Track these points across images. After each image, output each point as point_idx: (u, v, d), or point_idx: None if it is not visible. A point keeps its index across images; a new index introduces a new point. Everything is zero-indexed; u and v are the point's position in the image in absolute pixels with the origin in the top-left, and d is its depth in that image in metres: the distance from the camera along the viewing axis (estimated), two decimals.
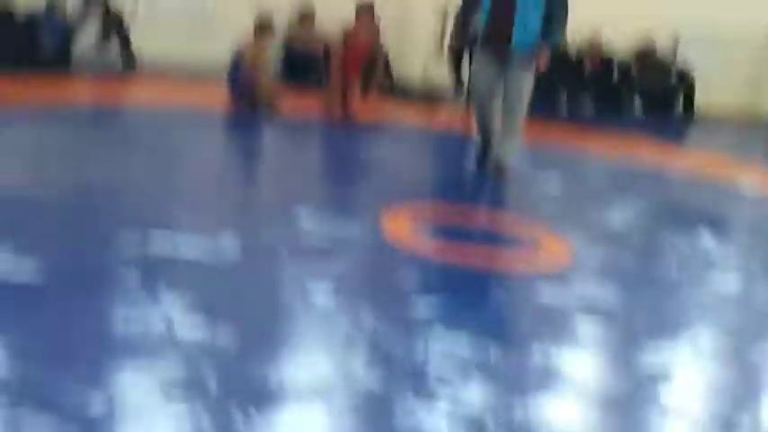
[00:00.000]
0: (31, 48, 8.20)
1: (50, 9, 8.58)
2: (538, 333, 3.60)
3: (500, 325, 3.75)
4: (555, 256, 4.68)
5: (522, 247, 4.78)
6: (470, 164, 6.59)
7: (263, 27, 8.02)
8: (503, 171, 6.14)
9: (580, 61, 10.95)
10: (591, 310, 3.90)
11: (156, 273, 3.70)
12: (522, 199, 5.95)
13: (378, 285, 4.00)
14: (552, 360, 3.32)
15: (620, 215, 5.74)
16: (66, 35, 8.56)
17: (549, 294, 4.04)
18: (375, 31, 8.10)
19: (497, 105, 6.17)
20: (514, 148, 6.16)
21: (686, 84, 11.38)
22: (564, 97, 10.83)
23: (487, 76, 6.15)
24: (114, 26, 8.87)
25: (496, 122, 6.22)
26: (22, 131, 6.04)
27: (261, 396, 2.80)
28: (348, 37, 7.95)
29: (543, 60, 6.06)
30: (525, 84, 6.07)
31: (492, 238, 4.98)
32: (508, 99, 6.09)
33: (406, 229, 4.80)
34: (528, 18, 5.96)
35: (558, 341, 3.52)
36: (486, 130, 6.31)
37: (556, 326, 3.69)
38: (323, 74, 8.49)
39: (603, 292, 4.15)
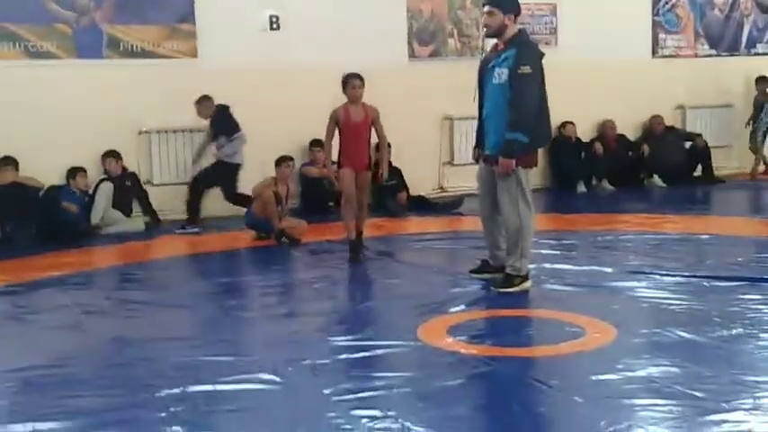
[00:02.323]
0: (52, 221, 8.35)
1: (67, 180, 8.77)
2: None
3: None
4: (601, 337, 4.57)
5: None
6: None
7: (279, 161, 8.24)
8: (510, 282, 5.75)
9: (590, 146, 10.99)
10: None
11: (200, 416, 3.65)
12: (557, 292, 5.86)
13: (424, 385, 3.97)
14: None
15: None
16: (84, 204, 8.71)
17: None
18: (373, 110, 7.15)
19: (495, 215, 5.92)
20: (518, 256, 5.72)
21: (699, 150, 11.37)
22: (582, 186, 10.79)
23: (482, 187, 5.98)
24: (132, 189, 9.02)
25: (498, 233, 5.97)
26: (55, 297, 6.08)
27: None
28: (338, 115, 7.06)
29: (501, 169, 5.63)
30: (506, 190, 5.69)
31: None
32: (499, 208, 5.82)
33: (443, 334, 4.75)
34: (494, 122, 5.72)
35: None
36: (489, 242, 6.08)
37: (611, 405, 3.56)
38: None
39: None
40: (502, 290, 5.73)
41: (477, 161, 6.12)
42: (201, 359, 4.50)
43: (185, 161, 9.39)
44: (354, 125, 7.03)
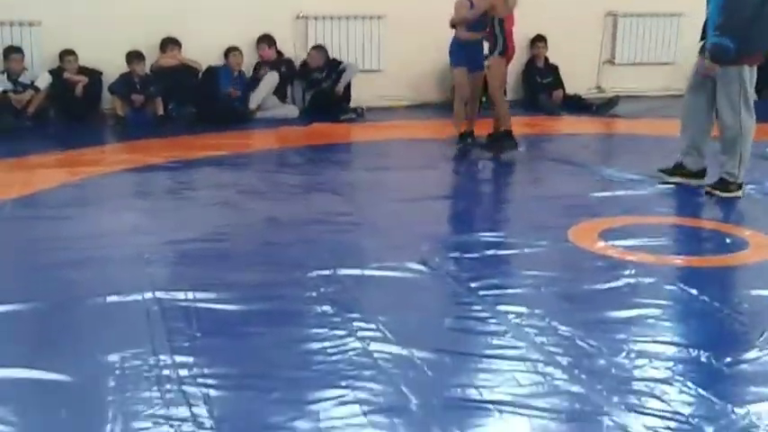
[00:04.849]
0: (211, 102, 8.60)
1: (226, 60, 8.95)
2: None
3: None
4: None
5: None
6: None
7: None
8: (725, 187, 5.51)
9: None
10: None
11: (348, 298, 3.74)
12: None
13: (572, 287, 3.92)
14: None
15: None
16: (242, 86, 8.89)
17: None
18: None
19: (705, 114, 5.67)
20: (735, 162, 5.49)
21: None
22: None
23: (694, 79, 5.71)
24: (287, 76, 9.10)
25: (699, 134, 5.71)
26: (214, 175, 6.30)
27: (462, 412, 2.74)
28: None
29: (702, 69, 5.51)
30: (726, 92, 5.44)
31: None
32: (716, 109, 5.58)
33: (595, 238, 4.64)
34: (711, 24, 5.40)
35: None
36: (686, 143, 5.77)
37: None
38: None
39: None
40: (718, 194, 5.50)
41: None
42: (352, 244, 4.60)
43: (340, 48, 9.39)
44: None
